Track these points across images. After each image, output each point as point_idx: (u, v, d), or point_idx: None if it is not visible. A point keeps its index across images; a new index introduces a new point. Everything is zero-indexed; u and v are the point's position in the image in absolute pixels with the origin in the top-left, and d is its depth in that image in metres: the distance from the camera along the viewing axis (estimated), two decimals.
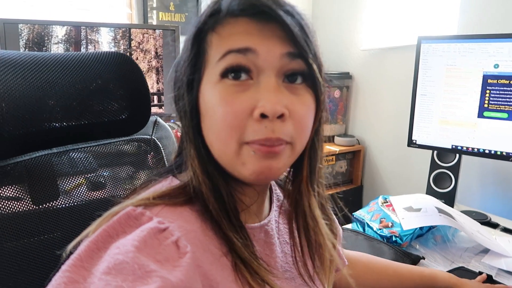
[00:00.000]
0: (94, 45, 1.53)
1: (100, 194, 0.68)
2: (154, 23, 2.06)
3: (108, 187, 0.69)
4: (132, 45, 1.61)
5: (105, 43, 1.56)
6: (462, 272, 0.92)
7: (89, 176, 0.67)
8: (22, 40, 1.40)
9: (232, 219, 0.45)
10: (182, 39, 1.73)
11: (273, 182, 0.59)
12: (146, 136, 0.74)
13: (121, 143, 0.71)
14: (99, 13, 1.88)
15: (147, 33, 1.62)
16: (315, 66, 0.44)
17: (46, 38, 1.43)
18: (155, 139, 0.75)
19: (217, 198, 0.45)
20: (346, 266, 0.72)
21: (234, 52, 0.42)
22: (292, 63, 0.44)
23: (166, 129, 0.78)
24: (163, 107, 1.71)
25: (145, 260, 0.36)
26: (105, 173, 0.70)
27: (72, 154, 0.66)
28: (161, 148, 0.75)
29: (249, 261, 0.44)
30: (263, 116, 0.41)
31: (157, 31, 1.65)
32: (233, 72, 0.43)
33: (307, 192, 0.50)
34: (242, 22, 0.43)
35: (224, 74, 0.43)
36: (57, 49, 1.44)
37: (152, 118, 0.76)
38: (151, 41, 1.63)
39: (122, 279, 0.34)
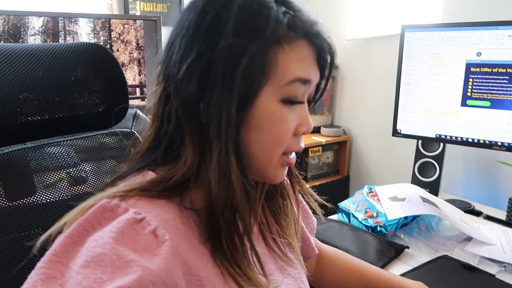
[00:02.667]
0: (73, 37, 1.48)
1: (81, 189, 0.66)
2: (137, 13, 2.01)
3: (90, 182, 0.68)
4: (112, 36, 1.57)
5: (84, 34, 1.51)
6: (445, 260, 0.93)
7: (70, 171, 0.66)
8: None
9: (252, 211, 0.49)
10: (164, 30, 1.70)
11: None
12: (125, 129, 0.72)
13: (99, 136, 0.70)
14: (78, 3, 1.83)
15: (127, 24, 1.58)
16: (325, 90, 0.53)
17: (22, 30, 1.38)
18: (135, 132, 0.73)
19: (246, 193, 0.45)
20: (316, 258, 0.76)
21: (301, 81, 0.46)
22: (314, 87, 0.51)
23: (147, 122, 0.77)
24: (145, 100, 1.68)
25: (123, 250, 0.36)
26: (85, 168, 0.68)
27: (49, 149, 0.65)
28: (141, 141, 0.74)
29: (232, 249, 0.45)
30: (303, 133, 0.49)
31: (138, 21, 1.61)
32: (291, 102, 0.47)
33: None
34: (306, 47, 0.46)
35: (286, 101, 0.46)
36: (34, 40, 1.40)
37: (131, 111, 0.75)
38: (132, 32, 1.60)
39: (101, 271, 0.34)
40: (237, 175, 0.44)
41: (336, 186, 2.16)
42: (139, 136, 0.73)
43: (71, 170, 0.66)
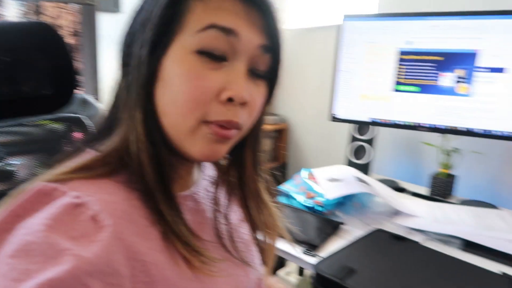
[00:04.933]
0: None
1: (28, 177, 0.61)
2: None
3: (29, 171, 0.62)
4: (43, 20, 1.45)
5: (12, 18, 1.38)
6: (379, 233, 1.00)
7: (12, 159, 0.60)
8: None
9: (166, 189, 0.44)
10: (102, 16, 1.60)
11: None
12: (73, 115, 0.67)
13: (43, 122, 0.64)
14: None
15: (64, 8, 1.47)
16: (280, 63, 0.47)
17: None
18: (84, 118, 0.68)
19: (156, 167, 0.43)
20: None
21: (218, 28, 0.41)
22: (263, 56, 0.45)
23: (95, 107, 0.72)
24: (82, 88, 1.58)
25: (57, 238, 0.33)
26: (24, 157, 0.62)
27: None
28: (90, 128, 0.69)
29: (180, 230, 0.43)
30: (229, 100, 0.42)
31: (73, 5, 1.50)
32: (209, 55, 0.42)
33: (254, 178, 0.53)
34: (230, 0, 0.42)
35: (201, 52, 0.41)
36: None
37: (80, 96, 0.70)
38: (67, 17, 1.48)
39: (30, 262, 0.31)
40: (144, 135, 0.42)
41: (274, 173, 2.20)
42: (88, 123, 0.68)
43: (13, 158, 0.60)
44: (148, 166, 0.42)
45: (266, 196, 0.55)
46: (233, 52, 0.43)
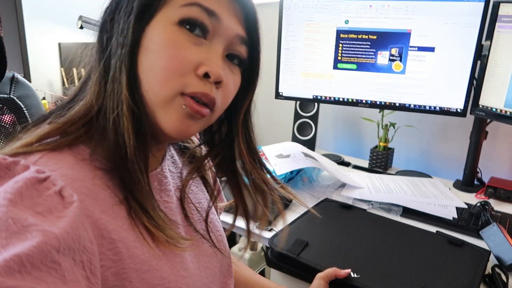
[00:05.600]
0: None
1: None
2: None
3: None
4: None
5: None
6: (327, 203, 1.05)
7: None
8: None
9: (144, 163, 0.43)
10: None
11: None
12: (2, 95, 0.62)
13: None
14: None
15: None
16: (258, 57, 0.51)
17: None
18: (15, 98, 0.63)
19: (137, 136, 0.42)
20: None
21: (201, 8, 0.43)
22: (239, 46, 0.47)
23: (28, 86, 0.66)
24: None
25: (21, 213, 0.32)
26: None
27: None
28: (24, 109, 0.64)
29: (150, 208, 0.43)
30: (206, 75, 0.43)
31: None
32: (191, 25, 0.43)
33: (253, 168, 0.55)
34: None
35: (182, 23, 0.43)
36: None
37: (8, 74, 0.63)
38: None
39: None
40: (128, 103, 0.41)
41: None
42: (20, 103, 0.63)
43: None
44: (129, 133, 0.41)
45: (270, 183, 0.58)
46: (213, 33, 0.44)
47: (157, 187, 0.50)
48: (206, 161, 0.58)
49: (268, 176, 0.59)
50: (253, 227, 0.60)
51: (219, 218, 0.64)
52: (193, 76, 0.43)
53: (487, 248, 0.85)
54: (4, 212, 0.31)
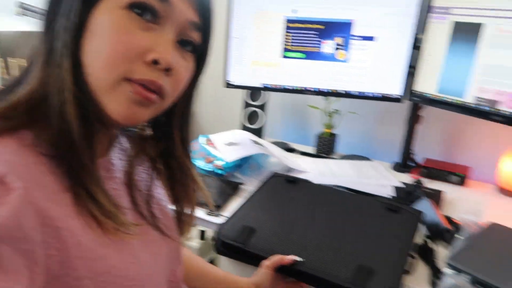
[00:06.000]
0: None
1: None
2: None
3: None
4: None
5: None
6: (275, 178, 1.09)
7: None
8: None
9: (90, 150, 0.42)
10: None
11: None
12: None
13: None
14: None
15: None
16: (210, 43, 0.50)
17: None
18: None
19: (82, 122, 0.41)
20: None
21: None
22: (193, 32, 0.47)
23: None
24: None
25: None
26: None
27: None
28: None
29: (98, 196, 0.42)
30: (155, 63, 0.42)
31: None
32: (141, 9, 0.42)
33: (183, 155, 0.56)
34: None
35: (132, 6, 0.41)
36: None
37: None
38: None
39: None
40: (71, 89, 0.41)
41: None
42: None
43: None
44: (74, 119, 0.40)
45: (194, 171, 0.58)
46: (164, 19, 0.43)
47: (105, 175, 0.49)
48: (154, 146, 0.57)
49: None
50: (202, 213, 0.61)
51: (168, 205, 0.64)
52: (141, 63, 0.42)
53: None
54: None
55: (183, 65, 0.47)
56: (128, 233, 0.44)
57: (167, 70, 0.44)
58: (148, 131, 0.58)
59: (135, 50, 0.42)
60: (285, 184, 1.05)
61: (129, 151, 0.56)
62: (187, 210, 0.60)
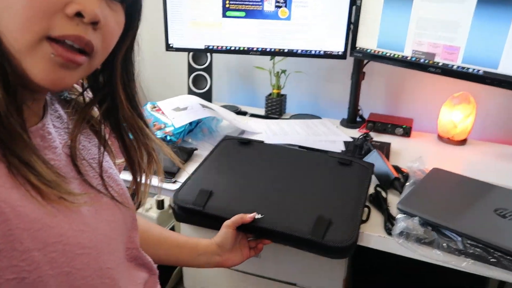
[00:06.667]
0: None
1: None
2: None
3: None
4: None
5: None
6: (227, 141, 1.06)
7: None
8: None
9: (16, 115, 0.38)
10: None
11: None
12: None
13: None
14: None
15: None
16: None
17: None
18: None
19: (4, 85, 0.36)
20: None
21: None
22: None
23: None
24: None
25: None
26: None
27: None
28: None
29: (35, 163, 0.39)
30: (79, 15, 0.38)
31: None
32: None
33: (132, 114, 0.52)
34: None
35: None
36: None
37: None
38: None
39: None
40: None
41: None
42: None
43: None
44: None
45: (149, 130, 0.55)
46: None
47: (40, 144, 0.44)
48: (95, 111, 0.53)
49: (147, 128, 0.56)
50: (149, 180, 0.59)
51: (118, 172, 0.60)
52: (62, 16, 0.37)
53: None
54: None
55: (112, 18, 0.42)
56: (73, 202, 0.41)
57: (94, 24, 0.39)
58: (87, 95, 0.53)
59: (52, 2, 0.37)
60: (238, 146, 1.04)
61: (65, 118, 0.52)
62: (142, 177, 0.57)
